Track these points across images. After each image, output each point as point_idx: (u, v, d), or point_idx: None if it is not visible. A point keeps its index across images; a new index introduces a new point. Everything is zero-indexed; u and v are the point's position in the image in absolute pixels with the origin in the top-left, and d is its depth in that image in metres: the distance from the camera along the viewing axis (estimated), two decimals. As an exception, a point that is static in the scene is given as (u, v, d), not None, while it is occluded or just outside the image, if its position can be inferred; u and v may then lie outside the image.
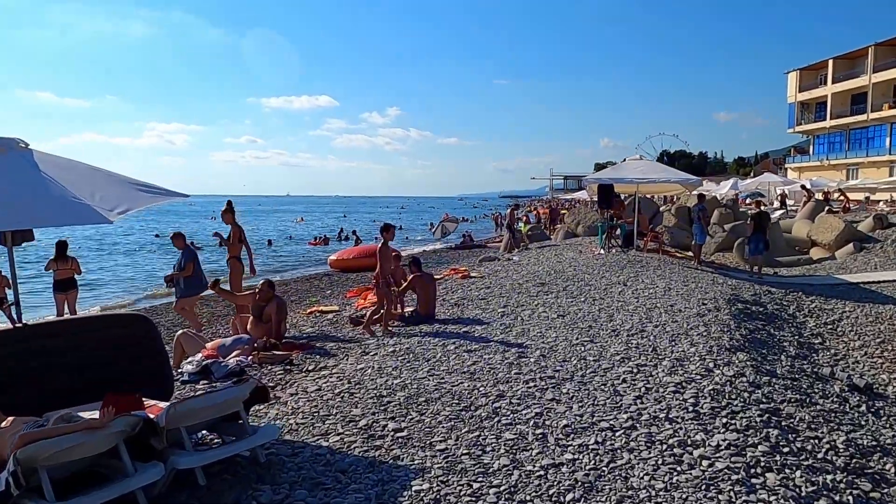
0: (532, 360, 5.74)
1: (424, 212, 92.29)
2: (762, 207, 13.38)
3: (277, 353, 6.36)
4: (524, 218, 29.54)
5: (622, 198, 17.79)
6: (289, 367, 6.02)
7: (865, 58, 48.99)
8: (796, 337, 8.79)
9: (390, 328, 7.45)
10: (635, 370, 5.54)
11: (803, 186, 21.47)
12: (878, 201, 37.52)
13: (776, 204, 35.34)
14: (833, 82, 52.33)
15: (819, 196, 42.28)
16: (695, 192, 16.34)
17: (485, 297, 9.21)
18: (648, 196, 21.09)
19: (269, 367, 6.09)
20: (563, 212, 36.53)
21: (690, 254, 16.90)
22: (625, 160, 15.99)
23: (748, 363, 6.18)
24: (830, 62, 52.50)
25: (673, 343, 6.56)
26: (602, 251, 14.93)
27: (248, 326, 7.13)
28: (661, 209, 22.20)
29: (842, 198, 29.45)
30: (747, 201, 35.88)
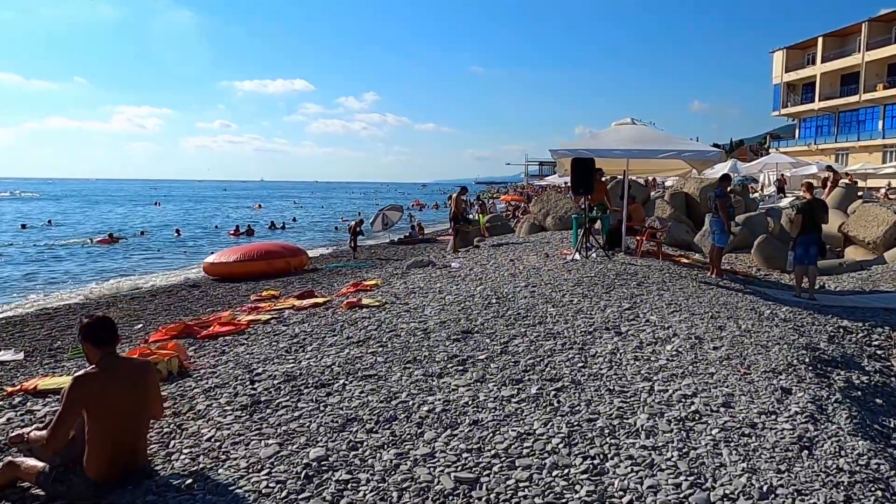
0: None
1: (394, 198, 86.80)
2: (814, 193, 8.82)
3: None
4: (479, 208, 24.61)
5: (605, 179, 13.13)
6: None
7: (858, 35, 45.34)
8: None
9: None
10: None
11: (829, 167, 17.20)
12: (879, 188, 33.91)
13: (771, 189, 31.29)
14: (822, 61, 48.65)
15: (814, 182, 38.64)
16: (706, 172, 11.77)
17: (333, 379, 4.39)
18: (633, 177, 16.53)
19: None
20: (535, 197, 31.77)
21: (698, 256, 12.36)
22: (611, 126, 11.28)
23: None
24: (820, 40, 48.80)
25: None
26: (577, 255, 10.27)
27: None
28: (651, 195, 17.64)
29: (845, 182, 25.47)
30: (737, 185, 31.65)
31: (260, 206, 68.13)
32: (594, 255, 10.53)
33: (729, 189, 10.79)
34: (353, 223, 19.20)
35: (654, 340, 5.47)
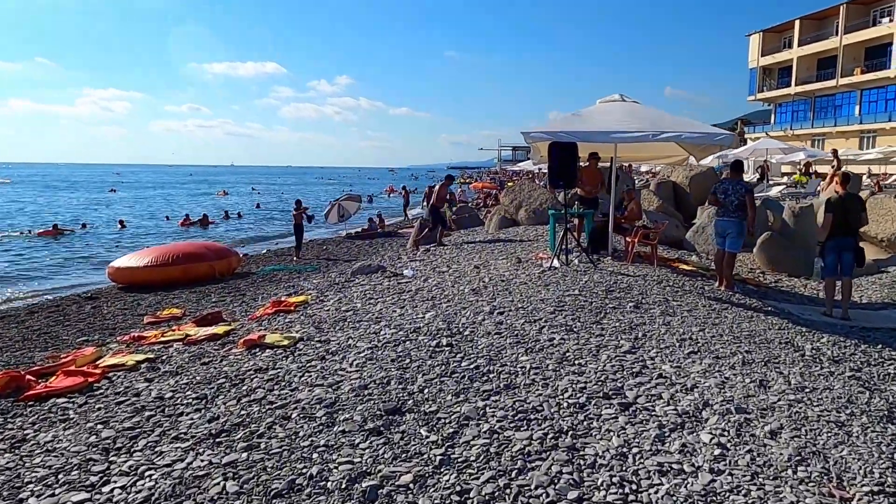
0: None
1: (363, 185, 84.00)
2: (847, 186, 7.05)
3: None
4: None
5: (581, 166, 11.22)
6: None
7: (836, 17, 44.37)
8: None
9: None
10: None
11: (834, 152, 15.57)
12: (861, 174, 32.90)
13: (754, 177, 29.99)
14: (799, 45, 47.69)
15: (787, 168, 37.57)
16: (702, 161, 9.98)
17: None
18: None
19: None
20: (509, 184, 29.87)
21: (696, 259, 10.60)
22: (596, 104, 9.36)
23: None
24: (797, 22, 47.80)
25: None
26: (556, 262, 8.39)
27: None
28: (636, 185, 15.86)
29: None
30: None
31: (225, 192, 63.57)
32: (576, 260, 8.67)
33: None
34: (293, 213, 16.01)
35: (678, 420, 3.59)
